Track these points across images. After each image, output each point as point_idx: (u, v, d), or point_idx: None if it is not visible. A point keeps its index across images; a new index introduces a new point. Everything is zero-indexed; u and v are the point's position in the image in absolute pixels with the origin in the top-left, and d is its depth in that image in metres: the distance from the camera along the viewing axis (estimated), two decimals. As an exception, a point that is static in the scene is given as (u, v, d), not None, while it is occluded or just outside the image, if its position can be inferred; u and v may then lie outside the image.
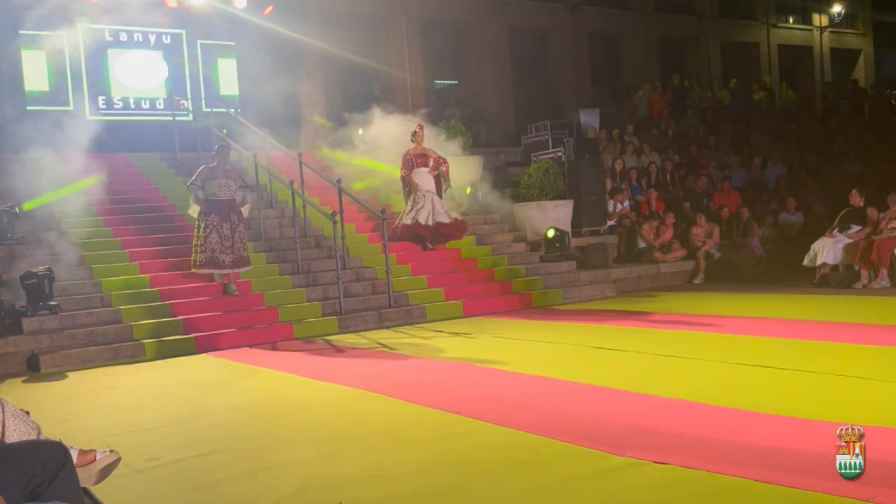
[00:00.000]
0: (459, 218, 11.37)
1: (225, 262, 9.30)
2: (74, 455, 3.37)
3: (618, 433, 4.40)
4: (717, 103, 19.51)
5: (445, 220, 11.06)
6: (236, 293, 9.46)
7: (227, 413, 5.70)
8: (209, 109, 14.39)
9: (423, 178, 11.19)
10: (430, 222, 10.98)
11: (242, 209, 9.53)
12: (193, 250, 9.37)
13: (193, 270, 9.44)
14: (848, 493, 3.25)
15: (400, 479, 3.92)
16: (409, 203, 11.16)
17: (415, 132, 11.41)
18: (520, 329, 8.70)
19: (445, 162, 11.47)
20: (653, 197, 13.81)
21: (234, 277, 9.55)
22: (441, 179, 11.41)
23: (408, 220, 11.03)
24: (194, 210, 9.51)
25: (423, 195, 11.04)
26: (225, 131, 12.44)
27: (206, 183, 9.35)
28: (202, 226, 9.29)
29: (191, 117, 13.86)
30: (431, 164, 11.26)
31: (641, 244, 12.80)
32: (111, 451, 3.71)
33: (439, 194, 11.37)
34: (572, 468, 3.89)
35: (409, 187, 11.24)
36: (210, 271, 9.40)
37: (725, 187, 14.03)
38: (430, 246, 11.17)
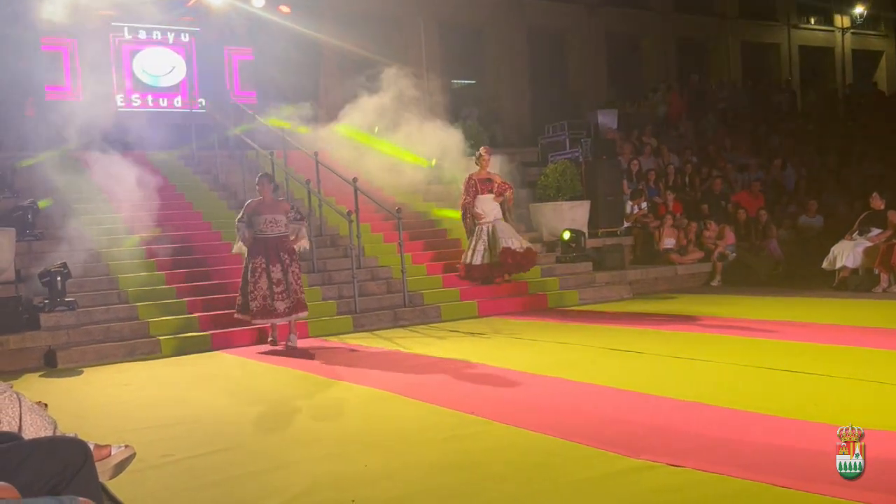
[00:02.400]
0: (529, 245, 10.64)
1: (279, 310, 8.02)
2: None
3: (632, 435, 4.37)
4: (736, 103, 19.37)
5: (515, 246, 10.35)
6: (295, 344, 8.21)
7: (241, 411, 5.71)
8: (227, 107, 14.45)
9: (488, 205, 10.51)
10: (486, 259, 10.34)
11: (297, 245, 8.32)
12: (241, 294, 8.18)
13: (238, 316, 8.26)
14: (861, 498, 3.20)
15: (412, 479, 3.92)
16: (473, 238, 10.52)
17: (479, 155, 10.73)
18: (534, 330, 8.67)
19: (510, 187, 10.85)
20: (670, 198, 13.72)
21: (295, 326, 8.33)
22: (505, 206, 10.68)
23: (476, 260, 10.38)
24: (240, 248, 8.43)
25: (483, 228, 10.41)
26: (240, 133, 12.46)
27: (252, 219, 8.14)
28: (249, 268, 8.07)
29: (209, 115, 13.93)
30: (496, 189, 10.58)
31: (668, 243, 12.63)
32: (126, 446, 3.73)
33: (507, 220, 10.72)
34: (585, 470, 3.87)
35: (471, 217, 10.58)
36: (265, 321, 8.19)
37: (754, 189, 13.89)
38: (500, 280, 10.50)
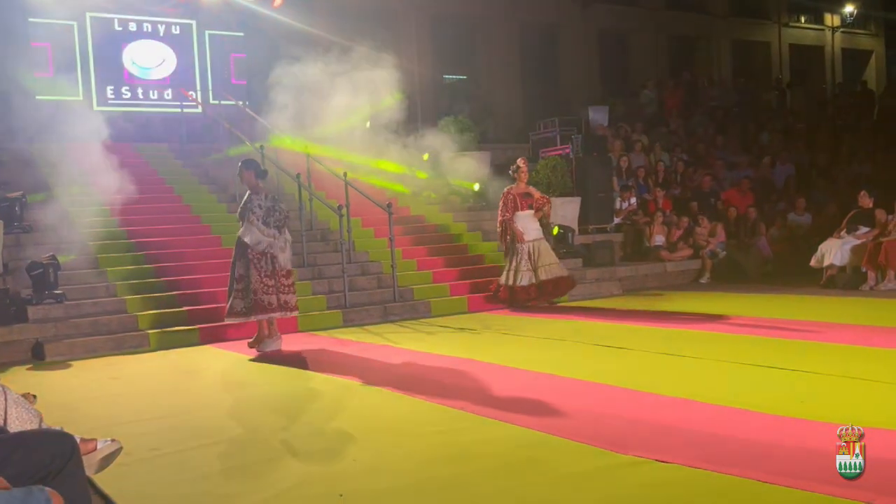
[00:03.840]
0: (566, 275, 10.05)
1: (236, 309, 7.57)
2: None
3: (620, 431, 4.38)
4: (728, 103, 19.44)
5: (557, 273, 9.89)
6: (262, 350, 7.60)
7: (229, 404, 5.71)
8: (217, 101, 14.41)
9: (529, 222, 9.91)
10: (533, 280, 9.76)
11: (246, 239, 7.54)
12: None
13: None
14: (849, 495, 3.22)
15: (401, 473, 3.92)
16: (513, 258, 9.87)
17: (517, 167, 10.00)
18: (524, 325, 8.68)
19: (549, 201, 10.37)
20: (660, 195, 13.76)
21: (265, 327, 7.66)
22: (543, 221, 10.22)
23: (523, 281, 9.75)
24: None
25: (524, 248, 9.82)
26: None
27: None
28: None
29: (199, 109, 13.87)
30: (535, 204, 9.96)
31: (657, 240, 12.67)
32: (112, 440, 3.72)
33: (547, 237, 10.30)
34: (574, 465, 3.88)
35: (511, 235, 9.93)
36: (228, 320, 7.78)
37: (743, 186, 13.95)
38: (537, 304, 9.88)
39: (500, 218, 10.11)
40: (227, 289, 7.79)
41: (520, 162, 10.19)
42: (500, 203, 10.14)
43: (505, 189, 10.22)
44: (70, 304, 8.52)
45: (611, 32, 21.52)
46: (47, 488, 2.41)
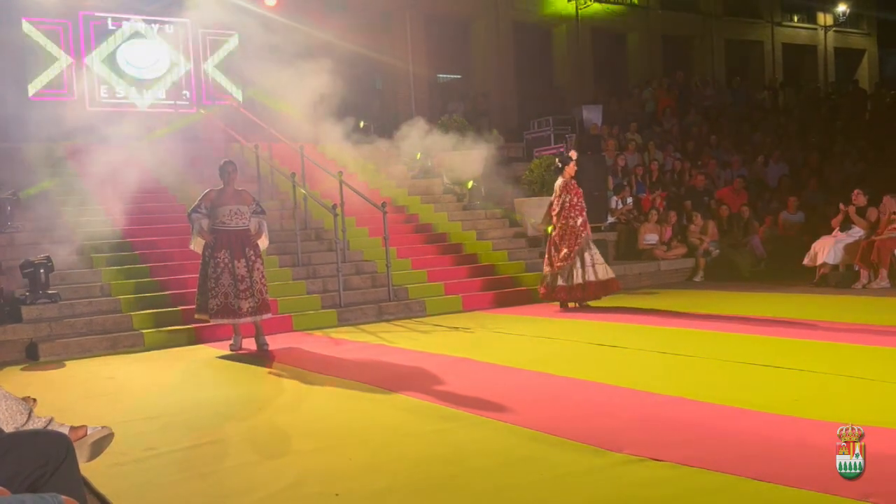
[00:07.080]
0: (612, 276, 9.55)
1: (242, 309, 7.47)
2: (65, 432, 3.39)
3: (615, 430, 4.40)
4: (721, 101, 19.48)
5: (602, 275, 9.41)
6: (266, 346, 7.67)
7: (224, 404, 5.71)
8: (211, 101, 14.39)
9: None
10: (589, 278, 9.32)
11: (259, 241, 7.76)
12: (200, 292, 7.65)
13: (198, 316, 7.74)
14: (845, 493, 3.24)
15: (397, 473, 3.93)
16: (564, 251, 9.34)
17: (570, 158, 9.45)
18: (518, 324, 8.69)
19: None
20: (654, 194, 13.78)
21: (262, 328, 7.78)
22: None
23: (591, 276, 9.29)
24: (198, 244, 7.70)
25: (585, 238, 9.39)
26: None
27: (214, 210, 7.57)
28: (210, 263, 7.50)
29: (193, 108, 13.85)
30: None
31: (649, 239, 12.69)
32: (103, 426, 3.72)
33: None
34: (570, 464, 3.89)
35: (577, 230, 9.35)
36: (225, 321, 7.63)
37: (737, 185, 13.99)
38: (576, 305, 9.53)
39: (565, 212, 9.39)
40: (211, 289, 7.70)
41: (572, 154, 9.65)
42: (562, 192, 9.41)
43: (563, 181, 9.42)
44: (64, 304, 8.50)
45: (605, 31, 21.55)
46: (63, 497, 2.41)
